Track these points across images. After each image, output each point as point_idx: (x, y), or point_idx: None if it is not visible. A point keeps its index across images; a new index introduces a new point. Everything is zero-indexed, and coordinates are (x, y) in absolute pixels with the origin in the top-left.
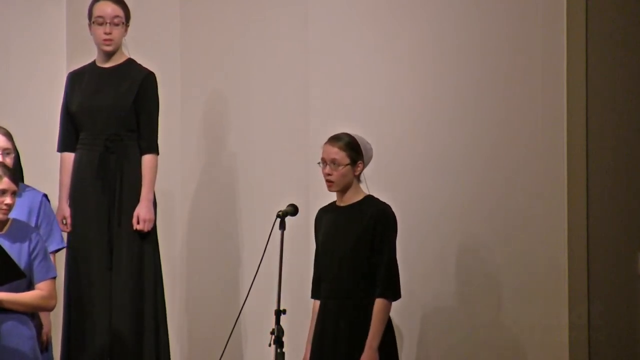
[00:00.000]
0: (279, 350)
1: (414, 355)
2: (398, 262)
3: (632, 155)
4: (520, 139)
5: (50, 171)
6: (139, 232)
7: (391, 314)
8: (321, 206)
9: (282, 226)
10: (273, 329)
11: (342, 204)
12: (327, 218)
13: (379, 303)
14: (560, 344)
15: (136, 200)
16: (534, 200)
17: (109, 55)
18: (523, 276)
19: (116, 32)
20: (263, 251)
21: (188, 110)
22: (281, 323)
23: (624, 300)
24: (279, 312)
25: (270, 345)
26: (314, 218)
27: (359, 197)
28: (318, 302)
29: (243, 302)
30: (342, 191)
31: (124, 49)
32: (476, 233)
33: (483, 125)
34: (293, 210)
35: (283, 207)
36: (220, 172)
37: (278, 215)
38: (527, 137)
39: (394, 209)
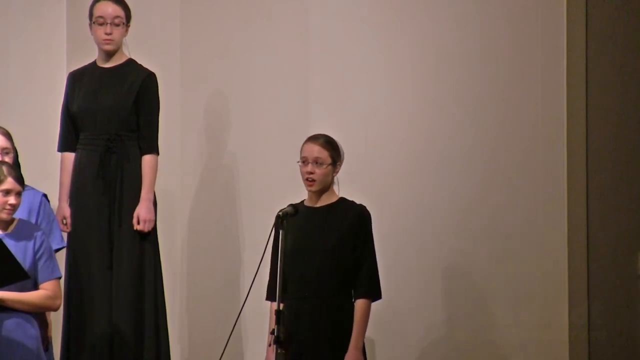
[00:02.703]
0: (279, 350)
1: (415, 356)
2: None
3: (632, 155)
4: (520, 140)
5: (50, 171)
6: (139, 232)
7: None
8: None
9: (283, 226)
10: (273, 329)
11: (316, 205)
12: (299, 218)
13: (363, 303)
14: (560, 343)
15: (136, 201)
16: (533, 200)
17: (109, 55)
18: (523, 276)
19: (117, 32)
20: (263, 251)
21: (188, 110)
22: (281, 323)
23: (624, 300)
24: (279, 312)
25: (270, 345)
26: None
27: (334, 199)
28: (281, 305)
29: (243, 302)
30: (320, 192)
31: (124, 49)
32: (476, 233)
33: (483, 125)
34: (293, 210)
35: (283, 207)
36: (220, 172)
37: (278, 216)
38: (527, 138)
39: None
